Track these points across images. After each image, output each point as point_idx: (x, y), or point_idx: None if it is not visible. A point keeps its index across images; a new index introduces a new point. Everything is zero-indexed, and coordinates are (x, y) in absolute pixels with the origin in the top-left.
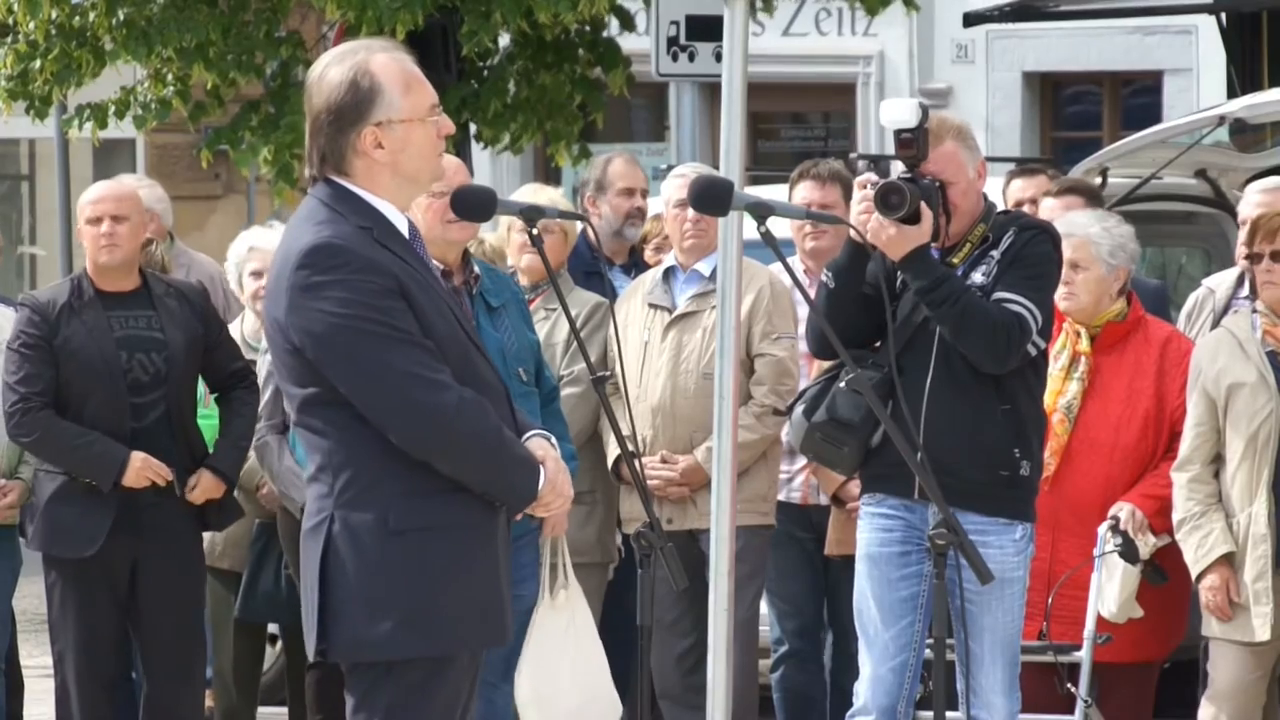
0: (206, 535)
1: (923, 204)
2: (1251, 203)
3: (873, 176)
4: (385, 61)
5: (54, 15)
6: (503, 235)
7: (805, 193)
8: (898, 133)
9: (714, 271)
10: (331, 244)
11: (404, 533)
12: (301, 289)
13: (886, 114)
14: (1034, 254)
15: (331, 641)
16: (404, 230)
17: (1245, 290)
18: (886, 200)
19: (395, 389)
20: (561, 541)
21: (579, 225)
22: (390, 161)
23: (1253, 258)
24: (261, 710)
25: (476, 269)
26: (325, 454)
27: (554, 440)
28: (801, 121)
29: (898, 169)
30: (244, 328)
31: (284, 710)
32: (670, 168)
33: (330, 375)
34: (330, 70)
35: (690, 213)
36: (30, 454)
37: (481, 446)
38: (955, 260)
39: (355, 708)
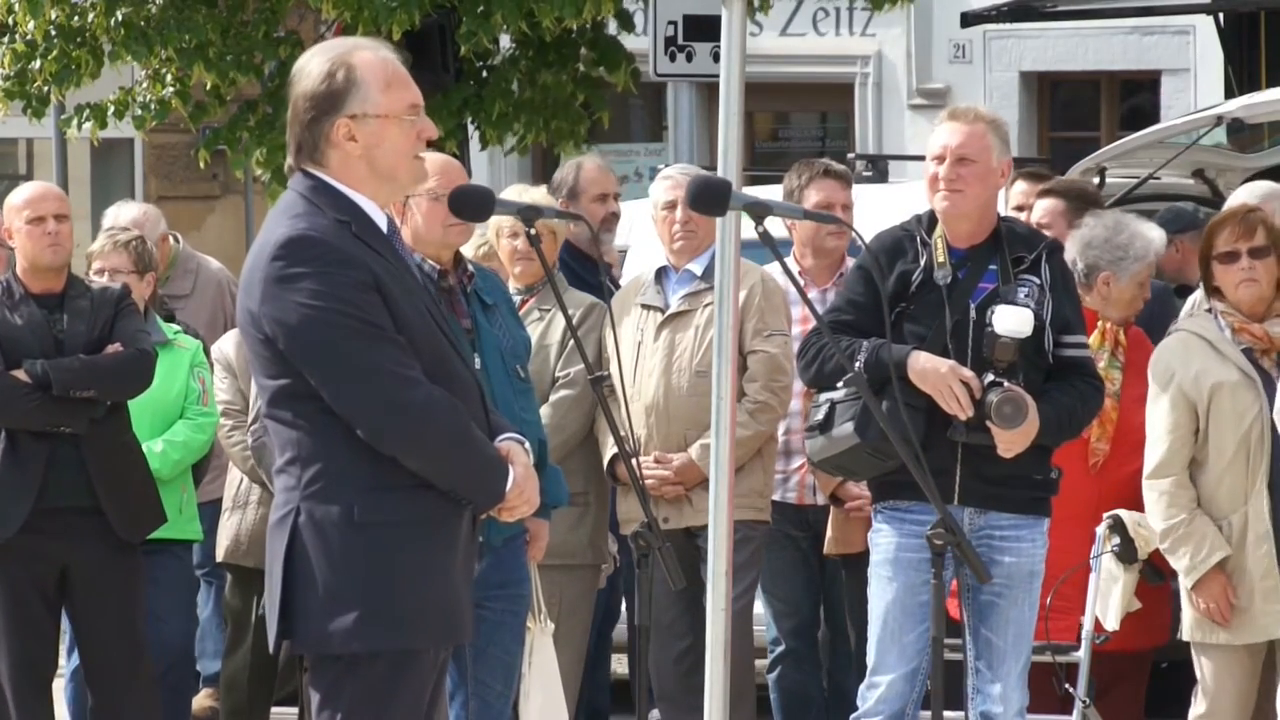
0: (229, 532)
1: (1027, 400)
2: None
3: (966, 373)
4: (368, 57)
5: (54, 15)
6: (491, 241)
7: (828, 193)
8: (1003, 340)
9: (705, 270)
10: (307, 236)
11: (368, 526)
12: (276, 280)
13: (1001, 322)
14: (1071, 279)
15: (295, 634)
16: (383, 225)
17: None
18: (1002, 413)
19: (365, 383)
20: (535, 571)
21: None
22: (364, 155)
23: (1224, 257)
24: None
25: (470, 268)
26: (294, 446)
27: (528, 445)
28: (799, 122)
29: (987, 379)
30: None
31: (294, 710)
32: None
33: (301, 366)
34: (312, 61)
35: (679, 214)
36: None
37: (449, 444)
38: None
39: (320, 704)
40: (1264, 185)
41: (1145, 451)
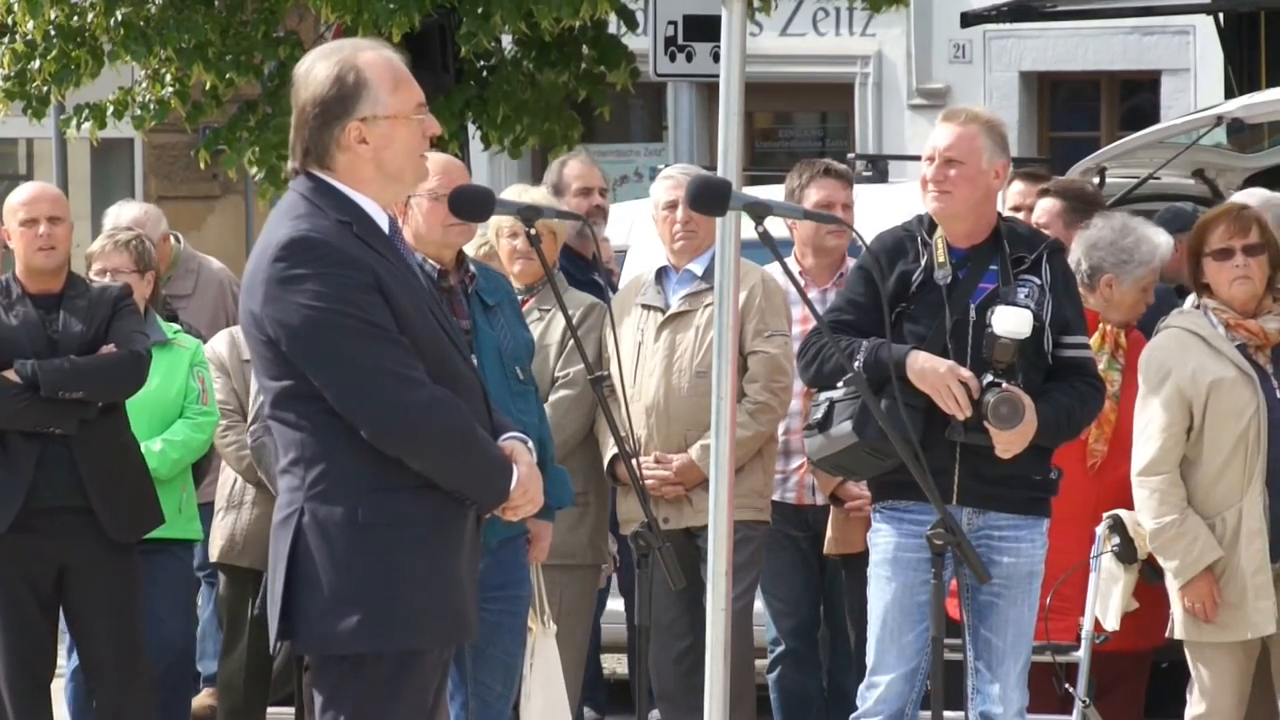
0: (224, 532)
1: (1025, 401)
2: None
3: (964, 373)
4: (373, 58)
5: (53, 15)
6: (491, 240)
7: (828, 192)
8: (1002, 341)
9: (706, 271)
10: (309, 237)
11: (372, 527)
12: (278, 281)
13: (1000, 323)
14: (1072, 280)
15: (298, 635)
16: (385, 226)
17: None
18: (999, 414)
19: (368, 384)
20: (538, 573)
21: (567, 226)
22: (373, 157)
23: (1217, 254)
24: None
25: (472, 268)
26: (298, 447)
27: (530, 444)
28: (799, 122)
29: (987, 378)
30: None
31: (289, 710)
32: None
33: (304, 368)
34: (317, 65)
35: (679, 214)
36: None
37: (452, 444)
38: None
39: (324, 705)
40: (1260, 192)
41: (1134, 448)
